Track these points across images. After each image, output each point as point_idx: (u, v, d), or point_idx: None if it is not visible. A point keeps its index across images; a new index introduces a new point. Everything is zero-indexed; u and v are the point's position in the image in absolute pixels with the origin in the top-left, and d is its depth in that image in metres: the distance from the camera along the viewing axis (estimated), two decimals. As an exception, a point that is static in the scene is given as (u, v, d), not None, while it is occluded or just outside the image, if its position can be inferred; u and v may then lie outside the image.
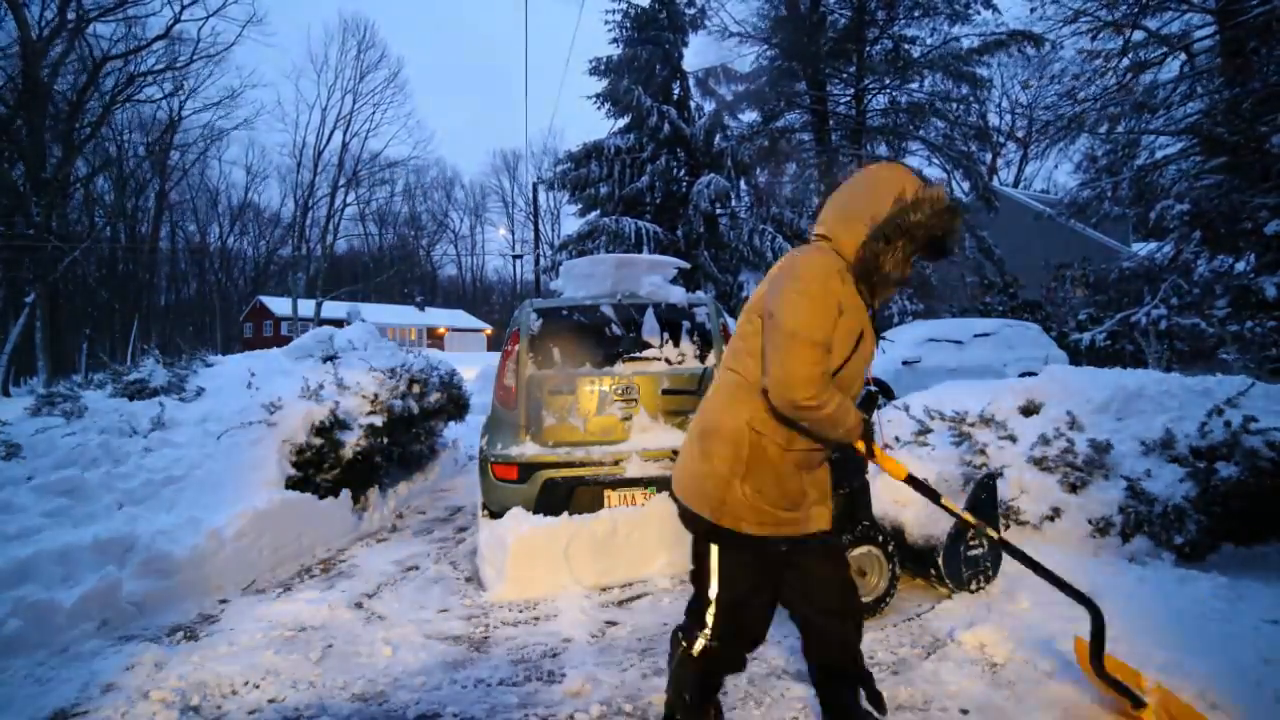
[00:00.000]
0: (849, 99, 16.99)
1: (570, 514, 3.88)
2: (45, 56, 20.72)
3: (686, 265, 5.00)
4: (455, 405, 6.66)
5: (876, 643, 2.82)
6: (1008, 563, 3.43)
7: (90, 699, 2.53)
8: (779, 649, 2.79)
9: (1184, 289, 10.74)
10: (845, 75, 16.67)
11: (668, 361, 4.24)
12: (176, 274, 42.94)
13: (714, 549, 1.81)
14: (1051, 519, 3.68)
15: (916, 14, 15.74)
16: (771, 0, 16.63)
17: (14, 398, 15.22)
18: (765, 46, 16.99)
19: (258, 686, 2.60)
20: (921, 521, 3.25)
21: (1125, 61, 11.85)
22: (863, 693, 1.97)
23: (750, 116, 17.31)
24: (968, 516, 2.11)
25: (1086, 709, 2.23)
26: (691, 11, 16.40)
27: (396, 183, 46.31)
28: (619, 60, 16.53)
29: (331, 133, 37.48)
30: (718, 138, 16.46)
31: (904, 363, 10.13)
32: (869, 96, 16.79)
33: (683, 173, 16.41)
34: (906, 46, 16.23)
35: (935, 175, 19.81)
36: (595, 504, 3.86)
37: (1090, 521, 3.57)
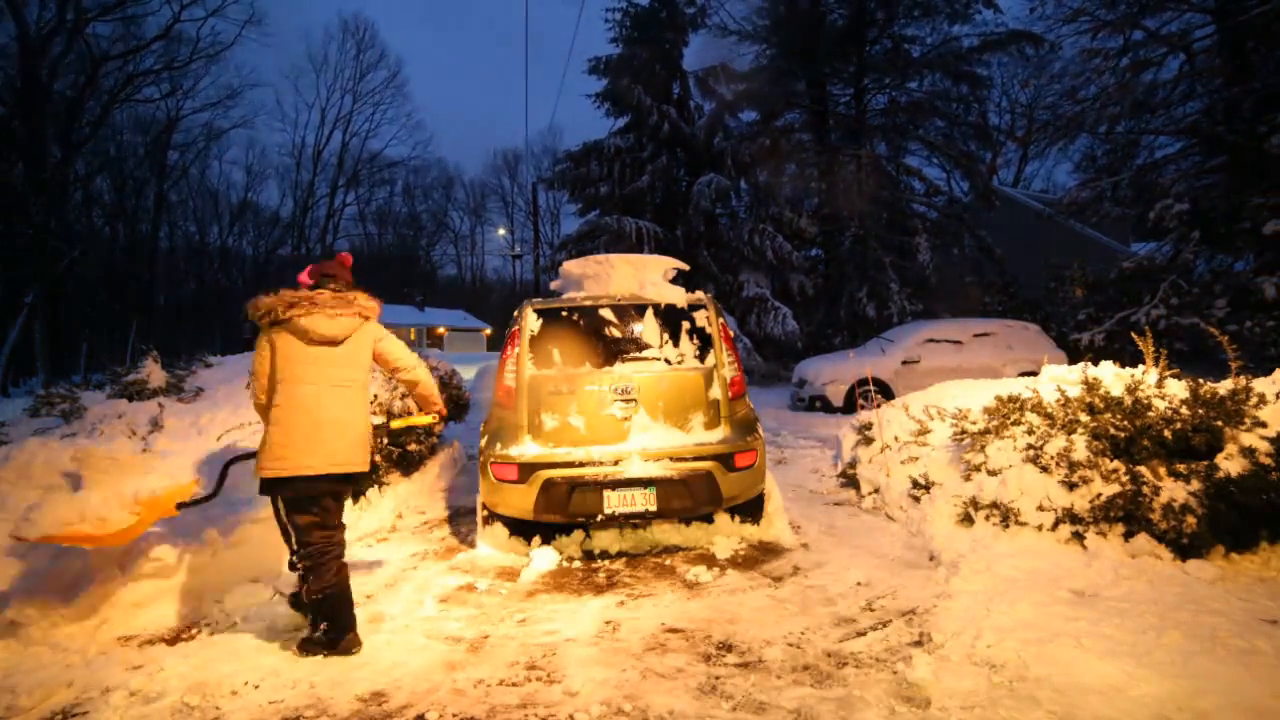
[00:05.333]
0: (849, 98, 16.99)
1: (570, 514, 3.89)
2: (44, 56, 20.70)
3: (686, 267, 5.00)
4: (455, 405, 6.66)
5: (877, 640, 2.82)
6: (1010, 564, 3.44)
7: (90, 699, 2.53)
8: (779, 648, 2.79)
9: (1183, 289, 10.75)
10: (845, 74, 16.67)
11: (667, 361, 4.24)
12: (176, 274, 42.85)
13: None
14: (1050, 517, 3.68)
15: (916, 13, 15.75)
16: (771, -1, 16.65)
17: (13, 398, 15.19)
18: (765, 45, 17.00)
19: (257, 687, 2.60)
20: None
21: (1125, 61, 11.86)
22: None
23: (750, 116, 17.33)
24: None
25: (1088, 709, 2.23)
26: (691, 10, 16.40)
27: (396, 183, 46.39)
28: (619, 59, 16.53)
29: (331, 132, 37.55)
30: (718, 137, 16.46)
31: (904, 363, 10.15)
32: (869, 96, 16.80)
33: (683, 172, 16.41)
34: (906, 46, 16.24)
35: (935, 175, 19.87)
36: (594, 504, 3.86)
37: (1090, 519, 3.58)
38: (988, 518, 3.87)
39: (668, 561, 3.96)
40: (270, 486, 2.85)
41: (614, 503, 3.87)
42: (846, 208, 15.15)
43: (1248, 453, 3.38)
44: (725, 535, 4.23)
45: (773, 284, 15.66)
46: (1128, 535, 3.50)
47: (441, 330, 47.36)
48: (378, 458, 4.97)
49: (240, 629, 3.14)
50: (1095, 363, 4.34)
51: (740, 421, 4.22)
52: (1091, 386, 3.93)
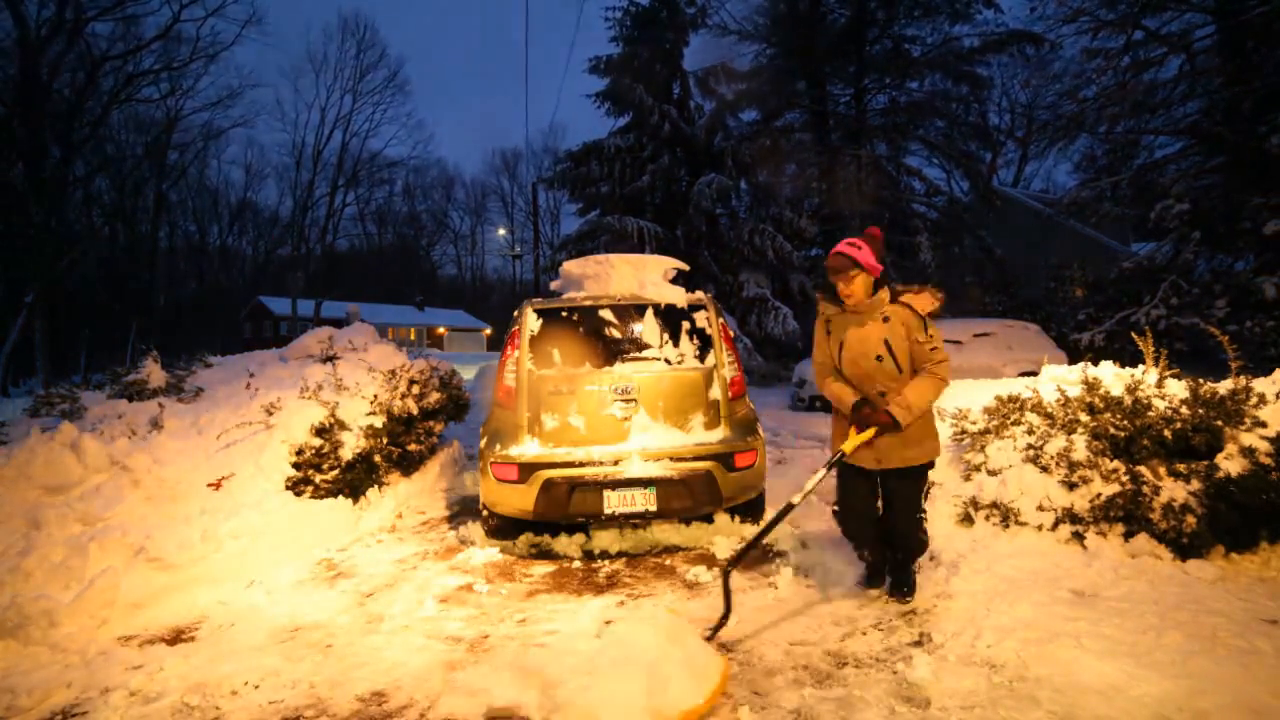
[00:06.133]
0: (849, 98, 16.99)
1: (570, 514, 3.89)
2: (44, 55, 20.71)
3: (686, 267, 5.00)
4: (455, 405, 6.65)
5: (876, 641, 2.82)
6: (1010, 564, 3.44)
7: (90, 699, 2.53)
8: (779, 648, 2.79)
9: (1183, 289, 10.74)
10: (845, 74, 16.67)
11: (667, 361, 4.24)
12: (176, 274, 42.89)
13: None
14: (1050, 517, 3.68)
15: (917, 13, 15.74)
16: (771, -2, 16.64)
17: (13, 398, 15.19)
18: (765, 45, 16.99)
19: (257, 687, 2.60)
20: None
21: (1125, 61, 11.86)
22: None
23: (750, 115, 17.33)
24: None
25: (1088, 709, 2.23)
26: (691, 10, 16.38)
27: (396, 182, 46.46)
28: (619, 59, 16.52)
29: (331, 132, 37.60)
30: (718, 137, 16.46)
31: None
32: (869, 96, 16.79)
33: (683, 172, 16.39)
34: (906, 46, 16.24)
35: (935, 175, 19.86)
36: (595, 504, 3.86)
37: (1090, 519, 3.58)
38: (988, 518, 3.87)
39: (668, 561, 3.96)
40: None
41: (614, 503, 3.87)
42: (847, 207, 15.15)
43: (1248, 452, 3.38)
44: (725, 535, 4.23)
45: (773, 284, 15.65)
46: (1128, 535, 3.49)
47: (441, 330, 47.35)
48: (378, 458, 4.98)
49: (240, 629, 3.14)
50: (1095, 363, 4.34)
51: (740, 421, 4.22)
52: (1091, 386, 3.93)
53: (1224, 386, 3.69)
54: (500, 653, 2.84)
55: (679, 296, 4.44)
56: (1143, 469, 3.55)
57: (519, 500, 3.92)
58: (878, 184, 15.33)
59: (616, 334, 4.30)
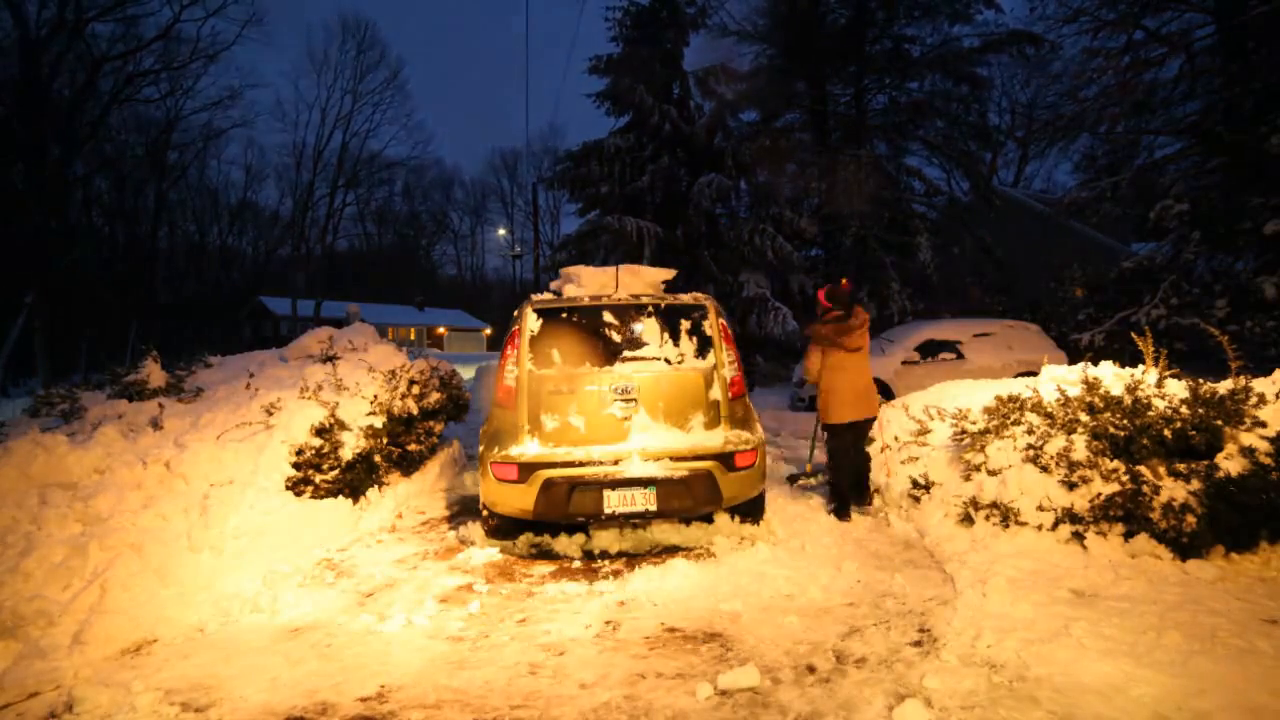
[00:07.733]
0: (849, 98, 16.98)
1: (570, 514, 3.89)
2: (44, 55, 20.71)
3: (672, 273, 5.04)
4: (455, 405, 6.65)
5: (877, 640, 2.82)
6: (1010, 564, 3.44)
7: (88, 699, 2.53)
8: (779, 648, 2.79)
9: (1183, 289, 10.75)
10: (845, 74, 16.67)
11: (667, 361, 4.24)
12: (176, 274, 42.82)
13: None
14: (1050, 517, 3.68)
15: (916, 13, 15.73)
16: (771, -2, 16.63)
17: (13, 398, 15.16)
18: (765, 45, 16.99)
19: (258, 687, 2.60)
20: None
21: (1125, 61, 11.85)
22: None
23: (750, 116, 17.32)
24: None
25: (1088, 709, 2.23)
26: (691, 10, 16.37)
27: (396, 182, 46.47)
28: (619, 59, 16.50)
29: (331, 132, 37.59)
30: (718, 137, 16.45)
31: (904, 363, 10.14)
32: (869, 96, 16.79)
33: (683, 172, 16.37)
34: (906, 46, 16.23)
35: (935, 175, 19.85)
36: (595, 504, 3.86)
37: (1090, 519, 3.58)
38: (988, 518, 3.87)
39: (668, 561, 3.95)
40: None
41: (614, 502, 3.87)
42: (847, 208, 15.14)
43: (1247, 452, 3.38)
44: (725, 535, 4.23)
45: (773, 284, 15.64)
46: (1128, 535, 3.50)
47: (441, 330, 47.32)
48: (378, 458, 4.98)
49: (240, 629, 3.14)
50: (1095, 363, 4.34)
51: (740, 421, 4.22)
52: (1091, 386, 3.93)
53: (1224, 386, 3.69)
54: (501, 652, 2.83)
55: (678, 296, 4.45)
56: (1143, 469, 3.55)
57: (519, 500, 3.92)
58: (878, 184, 15.31)
59: (616, 334, 4.30)
